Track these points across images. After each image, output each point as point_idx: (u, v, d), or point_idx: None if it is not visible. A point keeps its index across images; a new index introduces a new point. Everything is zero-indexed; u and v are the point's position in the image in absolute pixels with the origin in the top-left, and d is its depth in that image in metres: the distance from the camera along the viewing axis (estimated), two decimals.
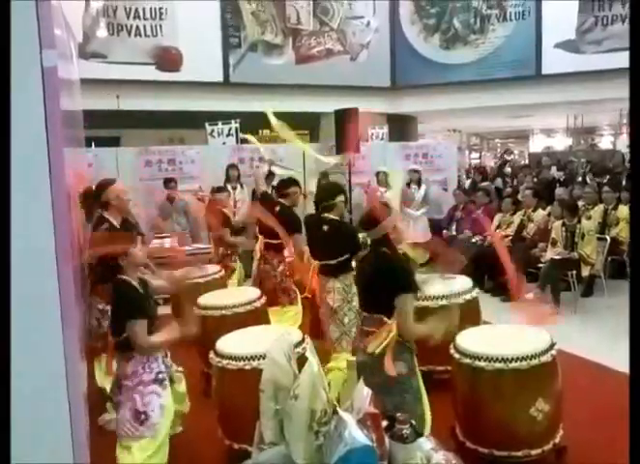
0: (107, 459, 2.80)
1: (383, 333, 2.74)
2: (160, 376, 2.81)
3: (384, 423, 1.98)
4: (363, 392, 1.95)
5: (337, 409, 1.88)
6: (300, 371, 1.98)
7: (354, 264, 4.02)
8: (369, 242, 3.30)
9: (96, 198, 3.94)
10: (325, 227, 4.11)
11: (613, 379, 4.25)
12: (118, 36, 10.59)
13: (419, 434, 2.03)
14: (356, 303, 3.84)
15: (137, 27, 10.71)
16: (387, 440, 1.92)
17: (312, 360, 1.96)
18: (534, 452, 2.99)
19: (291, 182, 5.03)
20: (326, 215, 4.11)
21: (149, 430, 2.70)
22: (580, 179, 9.57)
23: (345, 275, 4.05)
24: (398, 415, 2.06)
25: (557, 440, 3.08)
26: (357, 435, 1.75)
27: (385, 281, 2.80)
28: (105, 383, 3.86)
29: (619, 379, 4.13)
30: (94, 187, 4.12)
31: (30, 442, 2.18)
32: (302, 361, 2.04)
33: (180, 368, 3.19)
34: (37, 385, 2.23)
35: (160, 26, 10.85)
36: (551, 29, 11.65)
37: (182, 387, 3.21)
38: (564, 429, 3.13)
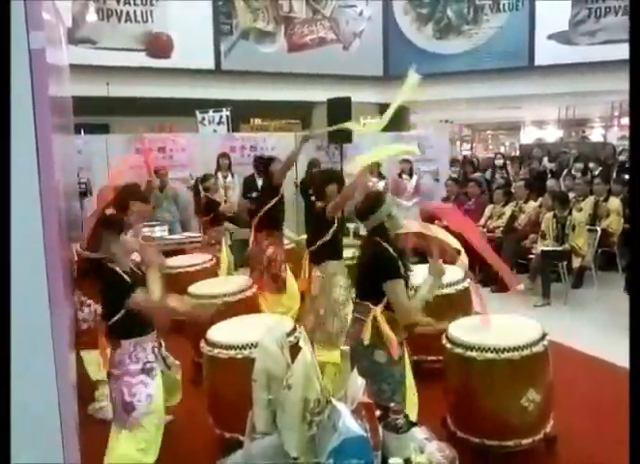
0: (97, 447, 2.79)
1: (369, 320, 2.74)
2: (148, 365, 2.78)
3: (377, 413, 1.97)
4: (357, 382, 1.93)
5: (331, 399, 1.86)
6: (292, 360, 1.96)
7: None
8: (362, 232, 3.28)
9: (120, 201, 3.86)
10: (312, 213, 4.13)
11: (603, 370, 4.28)
12: (108, 21, 10.42)
13: (412, 424, 2.02)
14: (336, 294, 3.87)
15: (128, 13, 10.54)
16: (380, 430, 1.91)
17: (306, 349, 1.93)
18: (524, 442, 3.01)
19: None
20: (317, 202, 4.09)
21: (135, 420, 2.69)
22: (571, 171, 9.59)
23: (325, 264, 4.04)
24: (392, 405, 2.05)
25: (547, 430, 3.10)
26: (351, 425, 1.74)
27: (372, 269, 2.80)
28: (94, 372, 3.83)
29: (609, 370, 4.17)
30: (122, 185, 4.06)
31: (21, 439, 2.13)
32: (295, 350, 2.02)
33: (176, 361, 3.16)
34: (27, 379, 2.18)
35: (151, 12, 10.68)
36: (544, 20, 11.59)
37: (177, 375, 3.18)
38: (554, 419, 3.15)
